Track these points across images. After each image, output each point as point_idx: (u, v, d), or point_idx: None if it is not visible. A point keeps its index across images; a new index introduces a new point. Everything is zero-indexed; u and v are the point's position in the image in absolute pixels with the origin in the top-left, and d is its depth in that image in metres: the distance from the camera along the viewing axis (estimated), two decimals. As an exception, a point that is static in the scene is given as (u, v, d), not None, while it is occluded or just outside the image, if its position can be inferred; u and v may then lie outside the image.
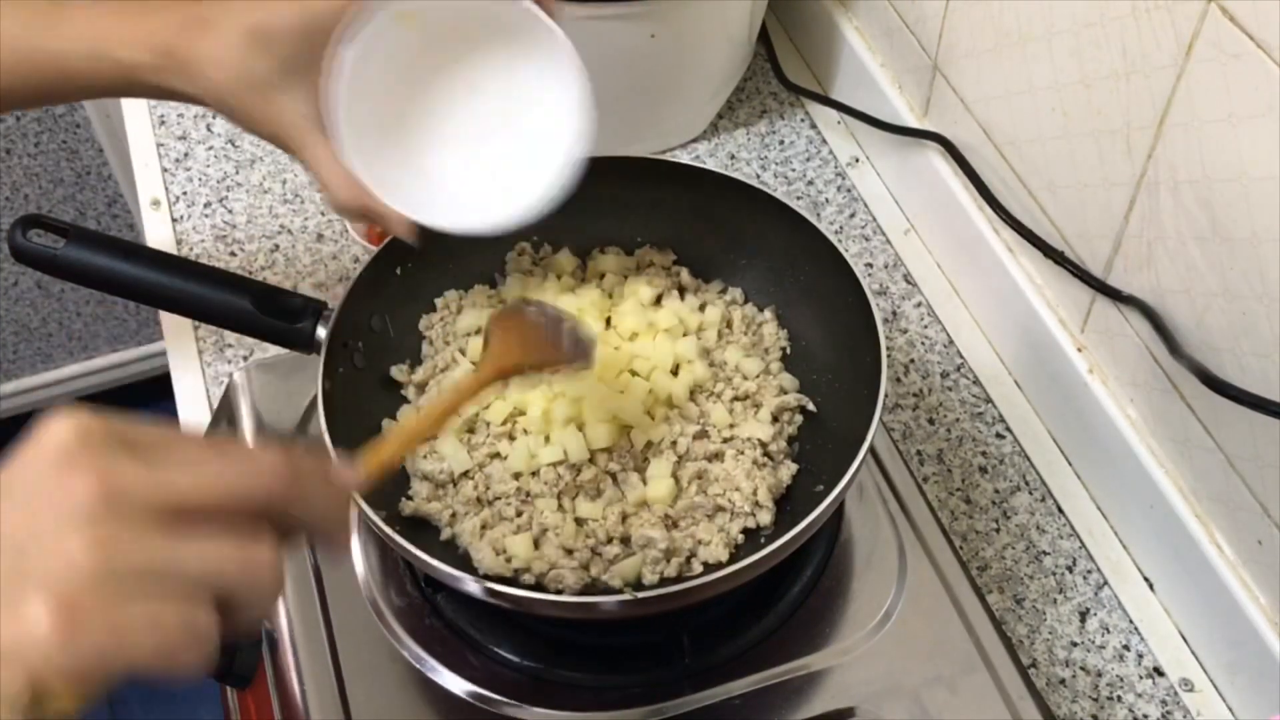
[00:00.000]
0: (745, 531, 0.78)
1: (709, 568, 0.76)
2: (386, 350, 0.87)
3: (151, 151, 1.22)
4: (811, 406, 0.84)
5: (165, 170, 1.20)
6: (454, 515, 0.79)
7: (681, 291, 0.90)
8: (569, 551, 0.77)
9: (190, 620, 0.45)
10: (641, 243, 0.93)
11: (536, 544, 0.77)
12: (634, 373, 0.84)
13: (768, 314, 0.89)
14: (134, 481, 0.45)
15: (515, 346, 0.73)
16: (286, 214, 1.15)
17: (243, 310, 0.83)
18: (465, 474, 0.81)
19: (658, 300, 0.89)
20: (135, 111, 1.25)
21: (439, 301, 0.90)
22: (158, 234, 1.14)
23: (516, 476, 0.80)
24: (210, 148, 1.21)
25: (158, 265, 0.84)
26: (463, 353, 0.86)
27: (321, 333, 0.82)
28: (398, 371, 0.87)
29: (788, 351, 0.88)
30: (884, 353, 0.77)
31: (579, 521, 0.78)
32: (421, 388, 0.86)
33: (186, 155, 1.21)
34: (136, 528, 0.45)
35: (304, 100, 0.73)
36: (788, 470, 0.81)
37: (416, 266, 0.88)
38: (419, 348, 0.88)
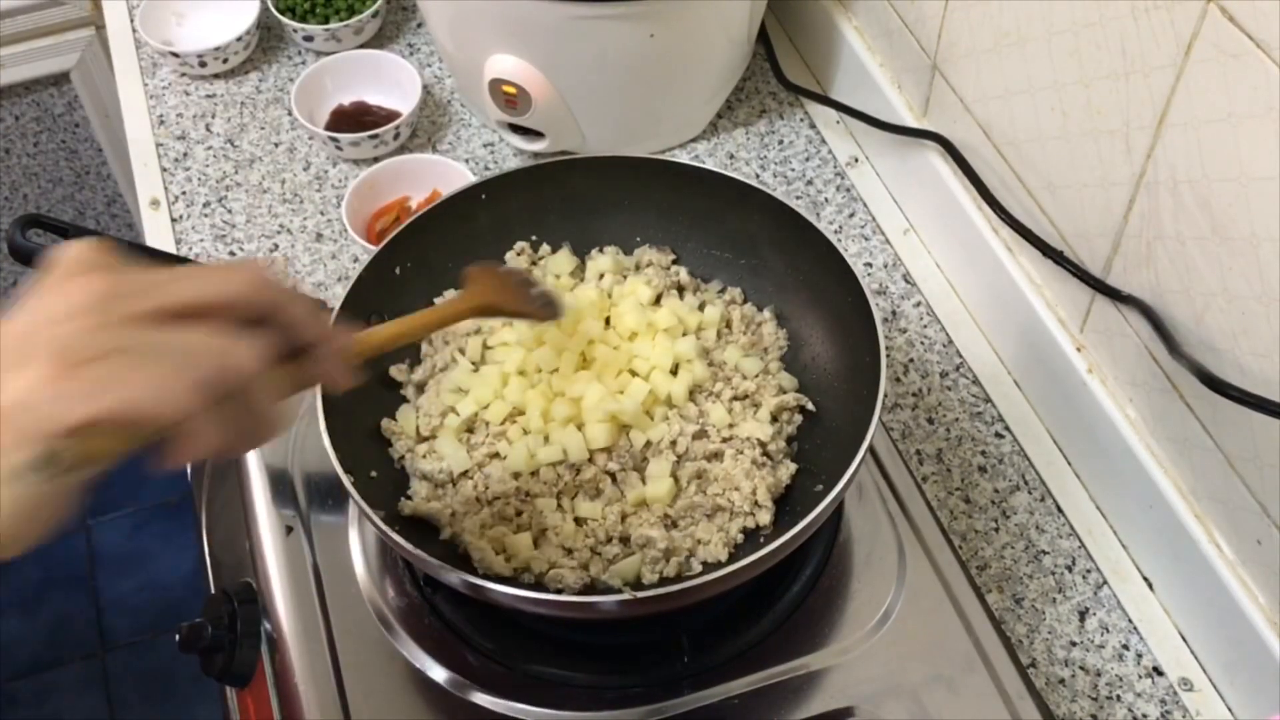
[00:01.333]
0: (744, 531, 0.78)
1: (708, 567, 0.76)
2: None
3: (151, 151, 1.22)
4: (810, 406, 0.84)
5: (164, 170, 1.20)
6: (454, 515, 0.79)
7: (680, 291, 0.90)
8: (569, 551, 0.77)
9: (195, 381, 0.49)
10: (640, 242, 0.93)
11: (536, 543, 0.77)
12: (633, 373, 0.84)
13: (767, 314, 0.89)
14: (127, 286, 0.50)
15: (491, 290, 0.77)
16: (286, 213, 1.15)
17: None
18: (465, 474, 0.81)
19: (657, 300, 0.89)
20: (135, 111, 1.25)
21: (439, 301, 0.90)
22: (157, 233, 1.14)
23: (516, 476, 0.80)
24: (209, 147, 1.21)
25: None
26: (462, 352, 0.86)
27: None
28: (397, 371, 0.87)
29: (786, 351, 0.88)
30: (883, 352, 0.77)
31: (578, 521, 0.78)
32: (420, 387, 0.86)
33: (186, 155, 1.21)
34: (130, 317, 0.49)
35: None
36: (787, 470, 0.81)
37: (415, 267, 0.88)
38: (418, 347, 0.88)
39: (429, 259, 0.88)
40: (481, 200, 0.89)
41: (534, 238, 0.92)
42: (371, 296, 0.85)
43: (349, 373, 0.60)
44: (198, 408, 0.49)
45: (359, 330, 0.67)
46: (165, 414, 0.48)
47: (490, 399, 0.82)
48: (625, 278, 0.91)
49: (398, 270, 0.87)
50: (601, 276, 0.91)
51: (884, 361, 0.77)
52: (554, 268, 0.91)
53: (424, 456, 0.82)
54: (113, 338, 0.49)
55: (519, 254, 0.92)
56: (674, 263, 0.92)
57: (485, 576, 0.75)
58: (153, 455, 0.51)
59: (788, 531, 0.70)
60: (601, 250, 0.93)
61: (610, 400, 0.81)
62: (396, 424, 0.84)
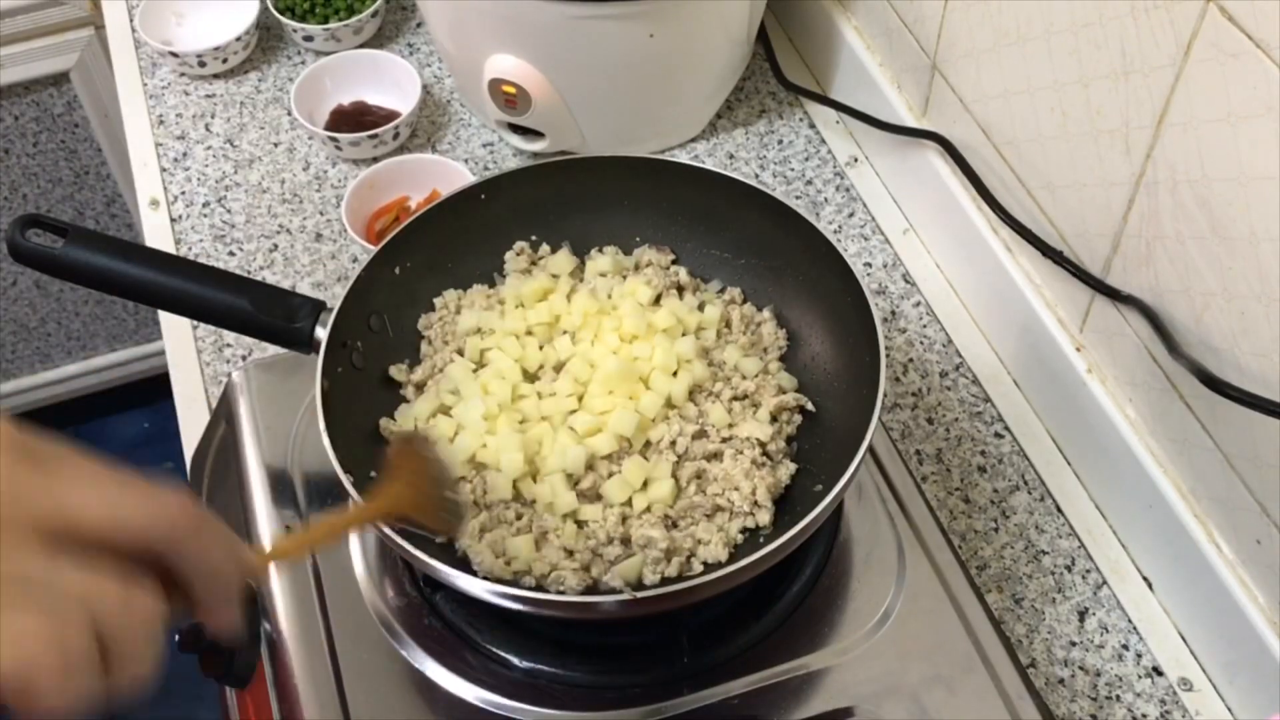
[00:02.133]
0: (744, 531, 0.78)
1: (709, 567, 0.76)
2: (385, 350, 0.87)
3: (150, 151, 1.22)
4: (810, 406, 0.84)
5: (164, 170, 1.20)
6: None
7: (680, 290, 0.90)
8: (570, 553, 0.77)
9: (61, 640, 0.41)
10: (640, 241, 0.93)
11: (537, 545, 0.77)
12: (645, 382, 0.84)
13: (766, 313, 0.89)
14: (26, 490, 0.43)
15: (404, 491, 0.70)
16: (285, 214, 1.15)
17: (241, 310, 0.83)
18: (461, 478, 0.80)
19: (656, 300, 0.89)
20: (134, 111, 1.25)
21: (438, 301, 0.90)
22: (156, 233, 1.14)
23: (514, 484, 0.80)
24: (209, 147, 1.21)
25: (156, 265, 0.84)
26: (461, 353, 0.86)
27: (320, 332, 0.82)
28: (396, 371, 0.87)
29: (786, 351, 0.88)
30: (883, 352, 0.77)
31: (579, 523, 0.78)
32: (420, 387, 0.86)
33: (185, 155, 1.21)
34: (19, 536, 0.41)
35: None
36: (786, 470, 0.81)
37: (415, 266, 0.88)
38: (418, 347, 0.88)
39: (428, 260, 0.88)
40: (481, 200, 0.90)
41: (533, 237, 0.92)
42: (371, 296, 0.85)
43: (235, 623, 0.50)
44: (67, 673, 0.41)
45: (266, 548, 0.62)
46: (32, 682, 0.40)
47: (478, 443, 0.81)
48: (624, 278, 0.91)
49: (397, 270, 0.87)
50: (603, 275, 0.91)
51: (883, 361, 0.77)
52: (553, 267, 0.91)
53: None
54: (8, 560, 0.40)
55: (519, 254, 0.92)
56: (673, 262, 0.92)
57: (485, 578, 0.75)
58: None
59: (787, 532, 0.70)
60: (601, 250, 0.93)
61: (610, 410, 0.81)
62: (396, 424, 0.84)
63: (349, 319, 0.83)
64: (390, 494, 0.69)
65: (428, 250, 0.88)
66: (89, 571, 0.42)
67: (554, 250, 0.93)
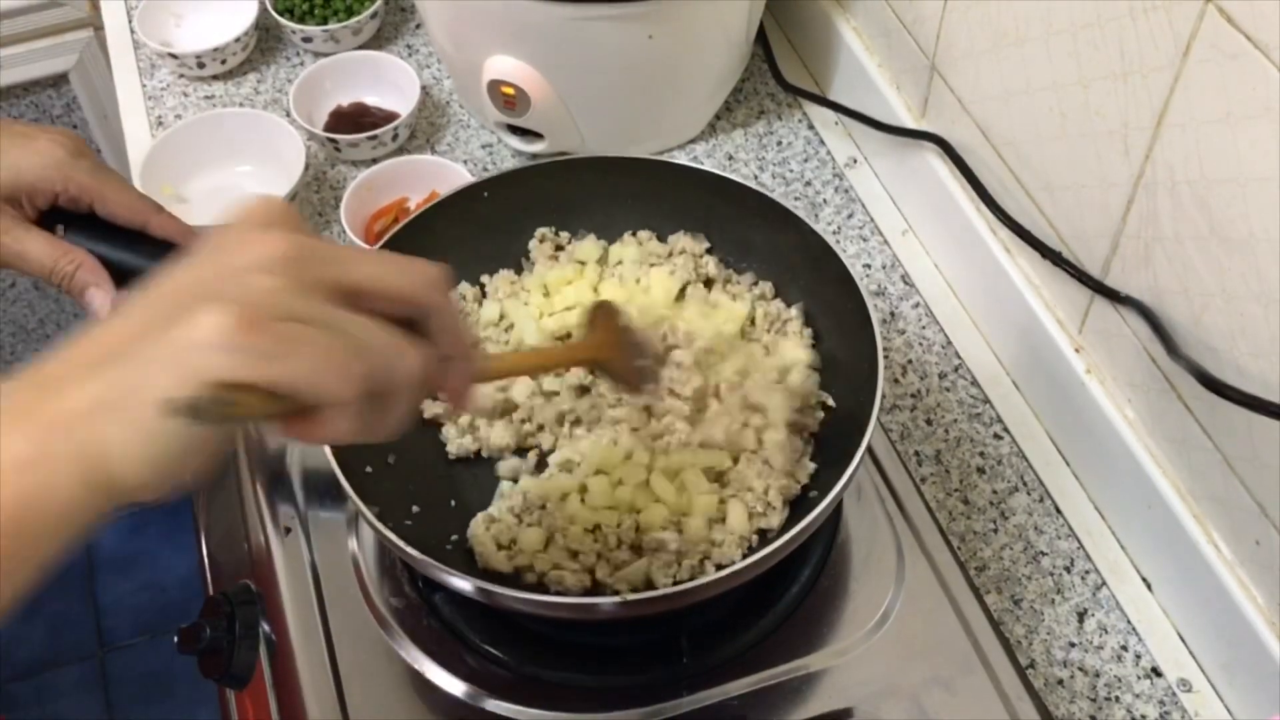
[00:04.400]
0: (759, 532, 0.78)
1: (722, 569, 0.76)
2: None
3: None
4: (831, 400, 0.83)
5: (163, 171, 1.20)
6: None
7: (709, 283, 0.90)
8: (574, 554, 0.77)
9: (348, 364, 0.49)
10: (674, 228, 0.92)
11: (545, 545, 0.77)
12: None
13: (794, 311, 0.89)
14: (319, 254, 0.51)
15: (606, 345, 0.75)
16: (284, 215, 1.15)
17: None
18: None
19: (682, 292, 0.89)
20: (133, 112, 1.25)
21: (452, 295, 0.90)
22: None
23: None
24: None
25: (155, 253, 0.84)
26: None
27: None
28: None
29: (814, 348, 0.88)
30: (880, 354, 0.77)
31: (594, 526, 0.78)
32: None
33: (184, 156, 1.21)
34: (313, 290, 0.50)
35: None
36: (805, 470, 0.81)
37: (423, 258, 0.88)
38: None
39: (436, 251, 0.88)
40: (484, 197, 0.90)
41: (554, 227, 0.92)
42: None
43: (471, 396, 0.60)
44: (353, 397, 0.49)
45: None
46: (325, 395, 0.49)
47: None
48: (650, 266, 0.90)
49: None
50: (619, 263, 0.91)
51: (881, 364, 0.77)
52: (580, 254, 0.91)
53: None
54: (298, 304, 0.49)
55: (541, 240, 0.92)
56: (708, 251, 0.91)
57: (484, 577, 0.74)
58: (285, 425, 0.51)
59: (782, 536, 0.70)
60: (635, 234, 0.92)
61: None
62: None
63: None
64: (593, 343, 0.75)
65: (430, 246, 0.88)
66: (377, 324, 0.51)
67: (574, 237, 0.93)
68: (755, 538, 0.78)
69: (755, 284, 0.90)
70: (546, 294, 0.90)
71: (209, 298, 0.48)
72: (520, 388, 0.85)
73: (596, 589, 0.76)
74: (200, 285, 0.50)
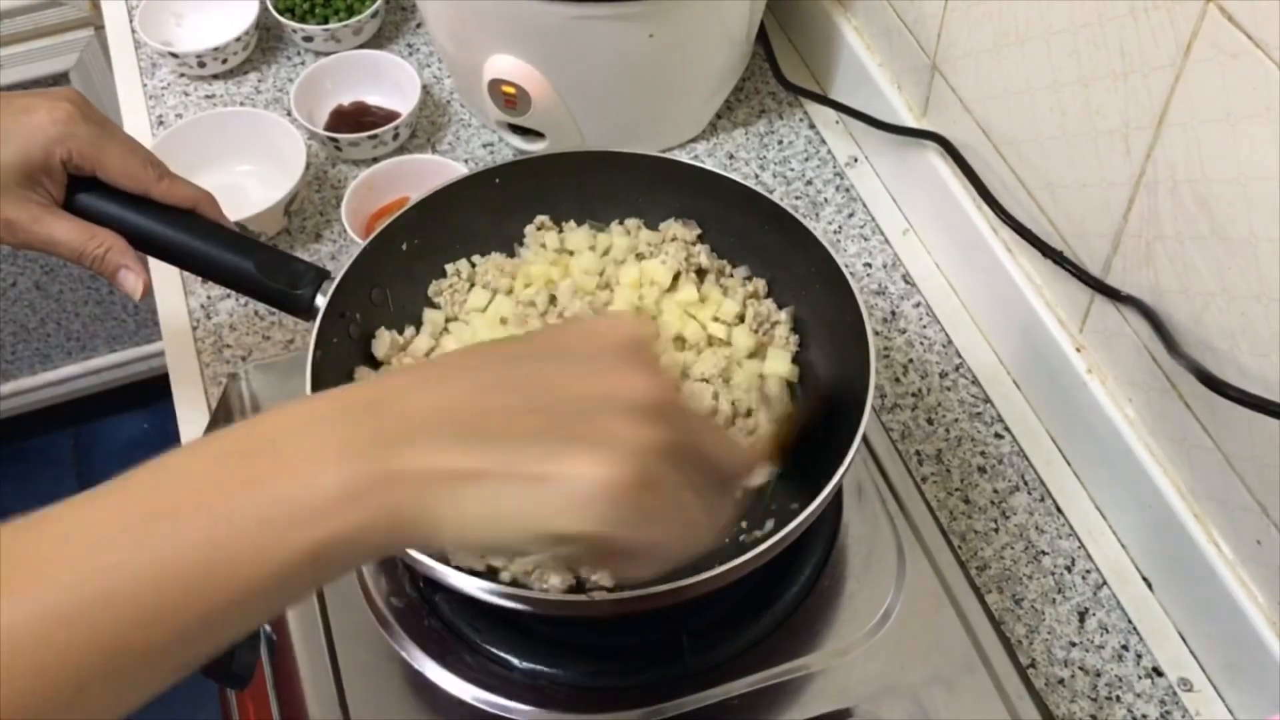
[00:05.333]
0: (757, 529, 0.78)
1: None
2: (385, 323, 0.87)
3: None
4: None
5: (163, 170, 1.20)
6: None
7: (700, 274, 0.90)
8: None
9: (693, 529, 0.50)
10: (664, 216, 0.92)
11: None
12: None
13: (784, 315, 0.88)
14: (684, 413, 0.51)
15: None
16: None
17: (245, 271, 0.83)
18: None
19: (674, 280, 0.88)
20: (134, 112, 1.25)
21: (450, 268, 0.90)
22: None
23: None
24: (208, 148, 1.21)
25: (165, 218, 0.84)
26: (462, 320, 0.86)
27: (321, 301, 0.82)
28: (380, 343, 0.86)
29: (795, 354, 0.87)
30: (872, 352, 0.77)
31: None
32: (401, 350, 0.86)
33: (185, 155, 1.21)
34: (676, 445, 0.49)
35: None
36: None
37: (422, 244, 0.88)
38: (418, 325, 0.88)
39: (437, 237, 0.89)
40: (495, 184, 0.90)
41: (548, 216, 0.93)
42: (374, 270, 0.85)
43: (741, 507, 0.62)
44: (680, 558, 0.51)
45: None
46: (662, 559, 0.50)
47: None
48: (640, 258, 0.90)
49: (404, 246, 0.88)
50: (606, 251, 0.90)
51: (874, 365, 0.77)
52: (571, 243, 0.91)
53: None
54: (670, 471, 0.49)
55: (540, 228, 0.92)
56: (699, 239, 0.91)
57: (483, 575, 0.74)
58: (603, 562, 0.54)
59: (772, 537, 0.70)
60: (622, 222, 0.92)
61: None
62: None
63: (350, 290, 0.83)
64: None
65: (436, 229, 0.88)
66: (709, 496, 0.52)
67: (568, 223, 0.93)
68: (759, 533, 0.78)
69: (749, 279, 0.90)
70: (528, 285, 0.90)
71: (597, 436, 0.47)
72: None
73: (581, 585, 0.76)
74: (584, 403, 0.48)
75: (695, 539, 0.51)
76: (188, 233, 0.84)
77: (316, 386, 0.76)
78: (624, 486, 0.46)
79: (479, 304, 0.88)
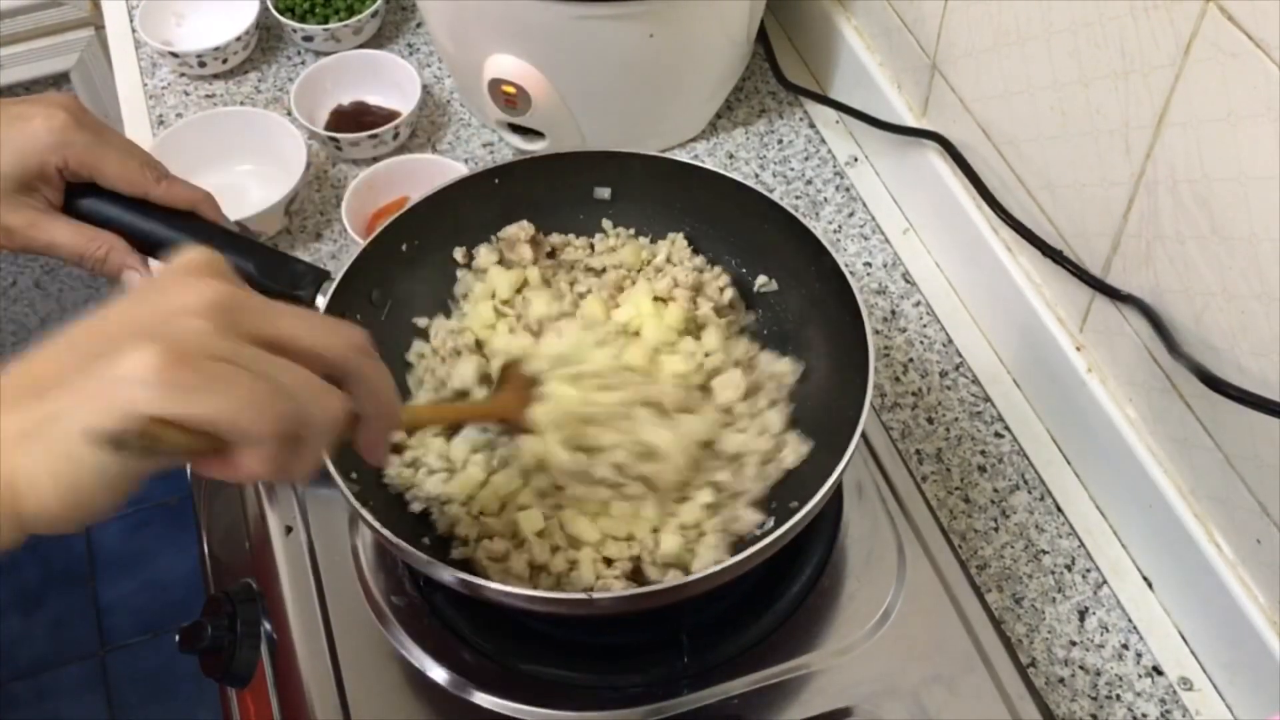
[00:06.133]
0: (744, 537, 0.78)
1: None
2: (383, 326, 0.87)
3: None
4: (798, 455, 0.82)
5: (164, 170, 1.20)
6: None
7: (693, 294, 0.89)
8: (536, 569, 0.77)
9: (272, 405, 0.51)
10: (663, 214, 0.92)
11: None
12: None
13: (769, 357, 0.87)
14: (248, 304, 0.53)
15: (515, 406, 0.79)
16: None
17: (245, 272, 0.83)
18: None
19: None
20: (134, 111, 1.25)
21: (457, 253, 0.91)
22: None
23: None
24: (209, 147, 1.21)
25: (164, 218, 0.84)
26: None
27: (321, 302, 0.82)
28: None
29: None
30: (871, 351, 0.77)
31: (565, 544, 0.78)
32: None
33: (185, 155, 1.21)
34: (244, 333, 0.52)
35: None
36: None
37: (423, 245, 0.88)
38: (413, 326, 0.89)
39: (437, 238, 0.89)
40: (495, 184, 0.90)
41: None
42: (373, 271, 0.85)
43: (385, 453, 0.62)
44: (273, 437, 0.51)
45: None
46: (244, 433, 0.51)
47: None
48: (634, 281, 0.90)
49: (403, 247, 0.88)
50: (581, 291, 0.90)
51: (872, 365, 0.77)
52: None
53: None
54: (225, 346, 0.51)
55: (521, 229, 0.91)
56: (691, 250, 0.91)
57: (481, 573, 0.75)
58: (201, 463, 0.53)
59: (768, 536, 0.70)
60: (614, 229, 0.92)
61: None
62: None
63: (350, 290, 0.83)
64: (501, 401, 0.79)
65: (436, 230, 0.88)
66: (293, 365, 0.53)
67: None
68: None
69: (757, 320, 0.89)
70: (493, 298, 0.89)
71: (139, 335, 0.50)
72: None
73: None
74: (132, 324, 0.52)
75: (272, 410, 0.51)
76: (187, 234, 0.84)
77: None
78: (159, 364, 0.49)
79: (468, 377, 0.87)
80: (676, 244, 0.92)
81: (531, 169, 0.91)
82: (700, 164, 0.91)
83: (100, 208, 0.83)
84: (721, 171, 0.89)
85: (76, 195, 0.83)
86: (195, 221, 0.85)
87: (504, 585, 0.72)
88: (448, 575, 0.71)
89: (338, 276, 0.83)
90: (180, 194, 0.84)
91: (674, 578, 0.75)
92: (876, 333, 1.06)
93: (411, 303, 0.89)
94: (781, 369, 0.85)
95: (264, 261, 0.84)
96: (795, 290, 0.89)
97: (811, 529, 0.81)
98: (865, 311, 0.79)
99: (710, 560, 0.75)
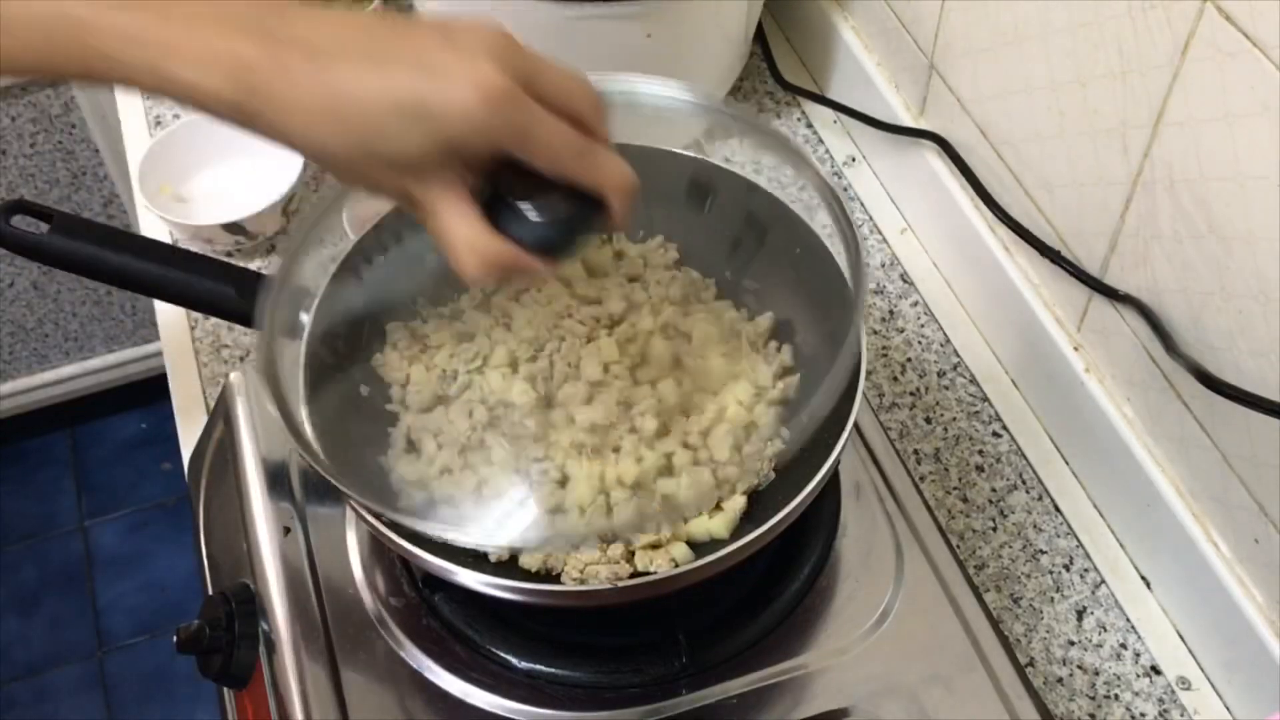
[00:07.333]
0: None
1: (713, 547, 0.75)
2: (370, 341, 0.86)
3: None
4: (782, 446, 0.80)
5: (161, 170, 1.19)
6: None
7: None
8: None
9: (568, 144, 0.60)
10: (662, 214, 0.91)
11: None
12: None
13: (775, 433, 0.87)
14: (527, 51, 0.61)
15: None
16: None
17: (226, 297, 0.83)
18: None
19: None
20: (132, 112, 1.25)
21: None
22: (154, 234, 1.14)
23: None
24: (206, 148, 1.21)
25: (142, 252, 0.84)
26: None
27: (305, 319, 0.82)
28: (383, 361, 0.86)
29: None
30: (864, 349, 0.77)
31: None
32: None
33: (183, 155, 1.21)
34: (525, 75, 0.59)
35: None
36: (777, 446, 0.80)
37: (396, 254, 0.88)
38: (395, 341, 0.88)
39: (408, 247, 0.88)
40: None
41: None
42: (352, 286, 0.85)
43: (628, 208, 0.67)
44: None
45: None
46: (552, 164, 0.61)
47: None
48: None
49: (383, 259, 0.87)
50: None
51: (864, 359, 0.77)
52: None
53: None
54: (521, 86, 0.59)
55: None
56: (678, 263, 0.91)
57: (480, 572, 0.74)
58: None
59: (758, 528, 0.70)
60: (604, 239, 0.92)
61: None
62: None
63: (329, 307, 0.83)
64: None
65: (405, 240, 0.88)
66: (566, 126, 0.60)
67: None
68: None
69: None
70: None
71: (476, 42, 0.59)
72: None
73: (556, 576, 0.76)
74: (470, 33, 0.60)
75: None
76: (164, 264, 0.83)
77: (313, 387, 0.76)
78: (498, 88, 0.57)
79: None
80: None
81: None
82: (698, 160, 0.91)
83: (72, 245, 0.82)
84: (720, 164, 0.89)
85: (53, 230, 0.82)
86: (171, 252, 0.85)
87: (500, 580, 0.72)
88: (448, 573, 0.71)
89: (318, 294, 0.82)
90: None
91: (666, 568, 0.74)
92: (874, 333, 1.06)
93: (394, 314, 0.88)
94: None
95: (245, 284, 0.83)
96: (793, 287, 0.88)
97: (809, 529, 0.81)
98: (859, 311, 0.78)
99: (721, 525, 0.76)
